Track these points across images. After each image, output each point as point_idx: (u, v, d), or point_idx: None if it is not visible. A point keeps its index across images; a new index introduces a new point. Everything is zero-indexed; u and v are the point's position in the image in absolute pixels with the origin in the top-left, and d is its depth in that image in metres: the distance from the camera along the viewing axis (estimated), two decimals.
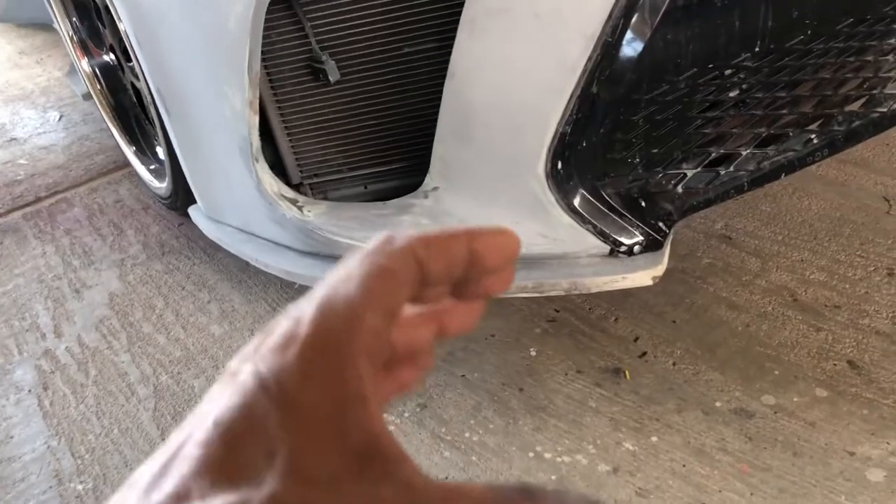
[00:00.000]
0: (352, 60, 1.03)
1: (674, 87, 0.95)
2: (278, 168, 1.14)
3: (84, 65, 1.67)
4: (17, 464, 1.08)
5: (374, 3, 0.97)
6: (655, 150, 0.99)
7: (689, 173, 1.01)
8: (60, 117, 2.20)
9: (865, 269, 1.16)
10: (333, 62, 1.03)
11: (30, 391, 1.20)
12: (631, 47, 0.88)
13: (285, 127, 1.10)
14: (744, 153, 1.03)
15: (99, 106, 1.70)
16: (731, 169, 1.03)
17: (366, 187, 1.17)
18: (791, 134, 1.05)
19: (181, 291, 1.37)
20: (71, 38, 1.66)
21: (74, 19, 1.67)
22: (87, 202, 1.72)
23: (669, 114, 0.96)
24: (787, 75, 1.01)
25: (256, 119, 1.01)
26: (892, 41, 1.08)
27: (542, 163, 0.93)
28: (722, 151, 1.02)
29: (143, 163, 1.60)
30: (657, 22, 0.87)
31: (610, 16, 0.85)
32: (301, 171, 1.14)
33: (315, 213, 1.07)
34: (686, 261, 1.24)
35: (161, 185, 1.48)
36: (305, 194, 1.16)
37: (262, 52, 1.02)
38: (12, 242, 1.61)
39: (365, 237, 1.06)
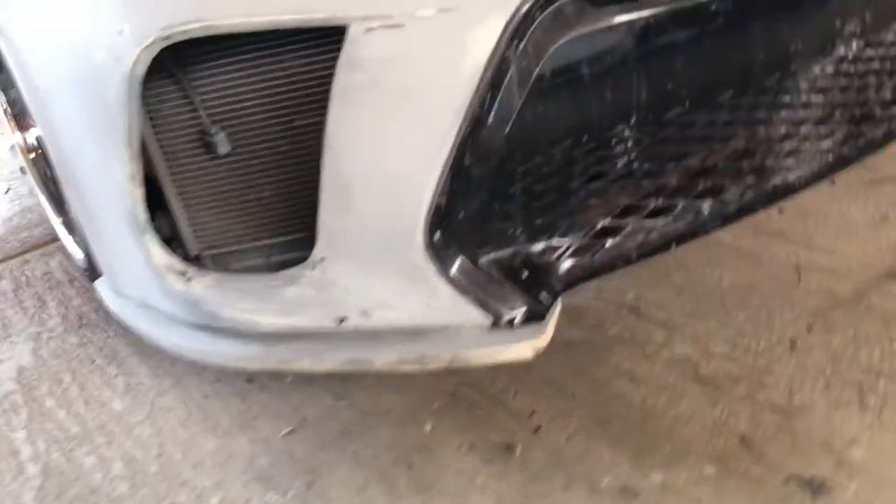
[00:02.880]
0: (243, 132, 1.04)
1: (549, 159, 0.95)
2: (178, 239, 1.14)
3: (18, 138, 1.68)
4: None
5: (263, 76, 0.98)
6: (538, 221, 0.99)
7: (574, 244, 1.00)
8: (7, 190, 2.22)
9: (769, 340, 1.15)
10: (223, 134, 1.03)
11: None
12: (500, 120, 0.88)
13: (182, 198, 1.10)
14: (631, 224, 1.03)
15: (32, 178, 1.70)
16: (618, 240, 1.02)
17: (269, 258, 1.17)
18: (681, 205, 1.06)
19: (90, 365, 1.35)
20: (5, 111, 1.68)
21: (10, 92, 1.69)
22: (17, 275, 1.71)
23: (549, 185, 0.97)
24: (674, 146, 1.01)
25: (140, 192, 1.01)
26: (783, 113, 1.09)
27: (420, 233, 0.93)
28: (608, 222, 1.02)
29: (69, 234, 1.60)
30: (525, 95, 0.88)
31: (477, 89, 0.86)
32: (200, 243, 1.14)
33: (202, 286, 1.06)
34: (594, 332, 1.23)
35: (80, 257, 1.48)
36: (206, 266, 1.15)
37: (153, 124, 1.03)
38: None
39: (250, 309, 1.05)
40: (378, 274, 0.99)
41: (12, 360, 1.40)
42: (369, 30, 0.85)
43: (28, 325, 1.51)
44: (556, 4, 0.87)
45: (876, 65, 1.15)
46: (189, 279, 1.07)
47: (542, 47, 0.87)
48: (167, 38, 0.87)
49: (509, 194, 0.95)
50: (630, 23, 0.90)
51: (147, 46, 0.88)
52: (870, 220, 1.39)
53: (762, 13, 0.97)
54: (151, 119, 1.03)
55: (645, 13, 0.90)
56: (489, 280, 0.96)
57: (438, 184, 0.91)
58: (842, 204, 1.44)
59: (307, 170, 1.06)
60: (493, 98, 0.87)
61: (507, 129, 0.90)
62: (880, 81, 1.17)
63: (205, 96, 1.02)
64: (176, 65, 0.99)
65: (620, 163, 0.99)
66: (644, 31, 0.91)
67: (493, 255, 0.98)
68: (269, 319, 1.04)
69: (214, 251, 1.15)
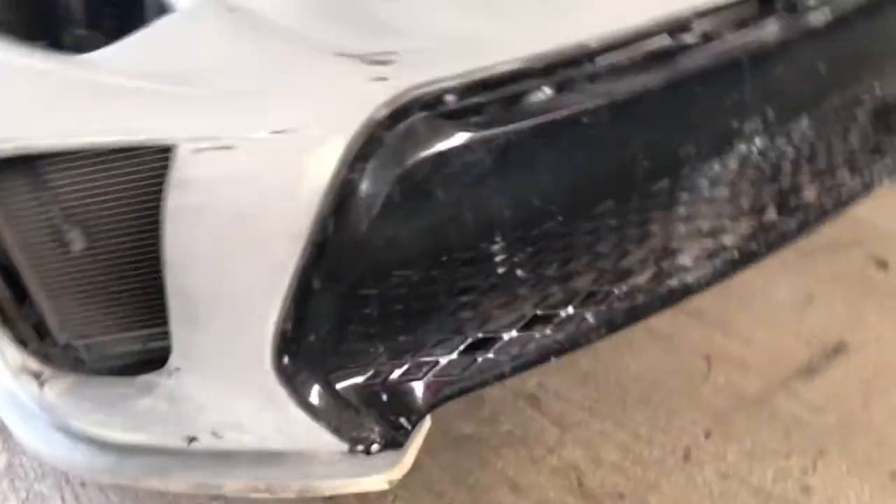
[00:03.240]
0: (100, 227, 0.98)
1: (407, 279, 0.89)
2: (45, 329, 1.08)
3: None
4: None
5: (112, 173, 0.92)
6: (400, 340, 0.92)
7: (442, 360, 0.94)
8: None
9: (663, 448, 1.09)
10: (78, 231, 0.97)
11: None
12: (348, 245, 0.82)
13: (45, 289, 1.04)
14: (504, 337, 0.97)
15: None
16: (489, 355, 0.96)
17: (145, 344, 1.11)
18: (561, 314, 0.99)
19: None
20: None
21: None
22: None
23: (410, 304, 0.90)
24: (552, 254, 0.95)
25: None
26: (677, 213, 1.03)
27: (267, 357, 0.87)
28: (480, 336, 0.96)
29: None
30: (374, 218, 0.81)
31: (318, 215, 0.79)
32: (68, 332, 1.08)
33: (55, 392, 1.00)
34: (487, 425, 1.17)
35: None
36: (76, 356, 1.09)
37: (8, 216, 0.97)
38: None
39: (100, 421, 0.99)
40: (231, 393, 0.93)
41: None
42: (198, 150, 0.79)
43: None
44: (406, 123, 0.80)
45: (787, 155, 1.08)
46: (43, 383, 1.01)
47: (391, 168, 0.81)
48: None
49: (365, 316, 0.89)
50: (491, 138, 0.83)
51: None
52: (794, 300, 1.32)
53: (643, 124, 0.90)
54: (6, 211, 0.97)
55: (509, 128, 0.83)
56: (345, 406, 0.90)
57: (282, 310, 0.84)
58: (769, 279, 1.37)
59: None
60: (339, 223, 0.81)
61: (357, 254, 0.84)
62: (793, 171, 1.10)
63: (58, 191, 0.96)
64: (25, 161, 0.92)
65: (491, 276, 0.93)
66: (506, 146, 0.84)
67: (350, 380, 0.91)
68: (119, 434, 0.98)
69: (86, 340, 1.10)
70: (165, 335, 1.07)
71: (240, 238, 0.83)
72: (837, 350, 1.20)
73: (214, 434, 0.95)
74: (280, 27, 0.80)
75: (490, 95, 0.82)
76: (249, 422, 0.93)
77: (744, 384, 1.18)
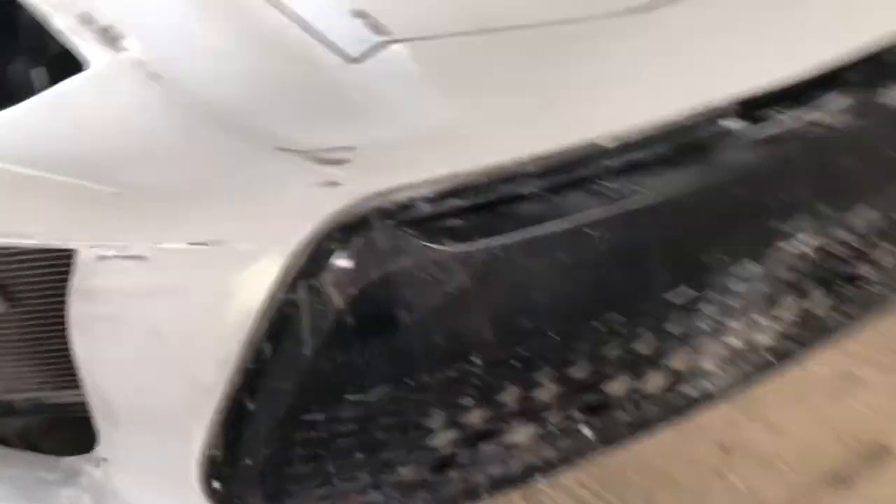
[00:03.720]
0: (20, 291, 0.84)
1: (363, 404, 0.74)
2: None
3: None
4: None
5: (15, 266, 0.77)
6: (359, 456, 0.78)
7: (408, 481, 0.80)
8: None
9: None
10: None
11: None
12: (286, 372, 0.67)
13: None
14: (483, 452, 0.82)
15: None
16: (464, 473, 0.82)
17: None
18: (553, 426, 0.84)
19: None
20: None
21: None
22: None
23: (367, 428, 0.76)
24: (537, 368, 0.79)
25: None
26: (704, 314, 0.86)
27: (194, 481, 0.74)
28: (452, 451, 0.82)
29: None
30: (319, 346, 0.66)
31: (250, 340, 0.64)
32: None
33: None
34: None
35: None
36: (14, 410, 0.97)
37: None
38: None
39: None
40: (167, 492, 0.81)
41: None
42: (103, 258, 0.64)
43: None
44: (362, 236, 0.64)
45: (838, 246, 0.89)
46: None
47: (342, 289, 0.65)
48: None
49: (314, 440, 0.75)
50: (471, 253, 0.66)
51: None
52: (833, 381, 1.15)
53: (663, 230, 0.72)
54: None
55: (494, 242, 0.66)
56: None
57: (209, 435, 0.71)
58: None
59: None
60: (276, 349, 0.66)
61: (300, 380, 0.69)
62: (846, 261, 0.92)
63: None
64: None
65: (469, 394, 0.77)
66: (490, 262, 0.67)
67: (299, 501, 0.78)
68: None
69: (22, 395, 0.97)
70: None
71: (157, 356, 0.68)
72: (876, 456, 1.04)
73: None
74: (211, 107, 0.63)
75: (472, 199, 0.65)
76: None
77: (764, 488, 1.02)
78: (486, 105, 0.64)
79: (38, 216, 0.64)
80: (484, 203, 0.66)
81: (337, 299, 0.65)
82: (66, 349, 0.90)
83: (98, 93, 0.64)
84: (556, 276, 0.70)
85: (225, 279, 0.64)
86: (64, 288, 0.78)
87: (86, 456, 0.85)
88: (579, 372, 0.82)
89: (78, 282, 0.66)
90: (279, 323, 0.65)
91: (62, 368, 0.91)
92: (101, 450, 0.83)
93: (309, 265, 0.64)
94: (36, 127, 0.64)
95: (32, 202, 0.63)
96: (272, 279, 0.63)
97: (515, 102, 0.64)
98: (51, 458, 0.88)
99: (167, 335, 0.66)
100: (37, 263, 0.72)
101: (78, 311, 0.67)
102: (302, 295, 0.64)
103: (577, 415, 0.85)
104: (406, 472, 0.80)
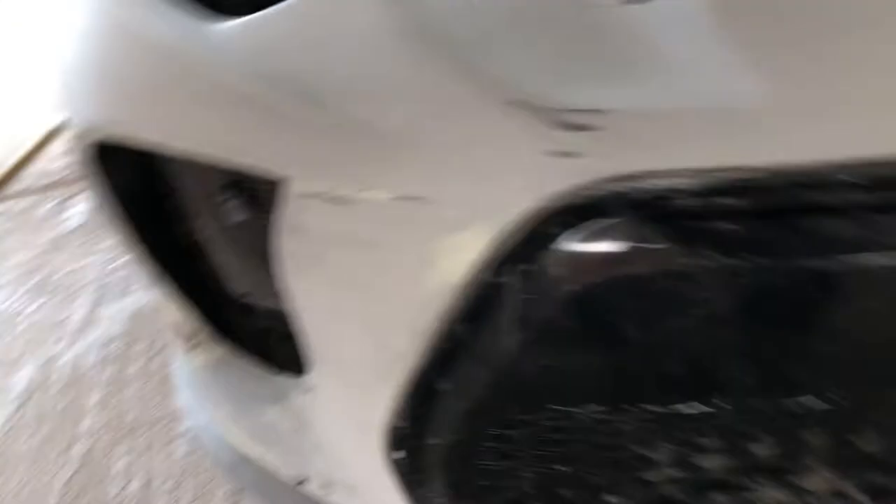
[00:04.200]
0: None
1: (567, 416, 0.61)
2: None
3: None
4: None
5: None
6: (558, 468, 0.66)
7: None
8: None
9: None
10: (235, 203, 0.83)
11: (11, 401, 1.24)
12: (482, 362, 0.57)
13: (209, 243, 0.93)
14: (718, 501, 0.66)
15: None
16: None
17: None
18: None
19: None
20: None
21: None
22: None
23: (570, 444, 0.63)
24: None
25: (144, 250, 0.87)
26: None
27: (379, 445, 0.68)
28: (674, 491, 0.66)
29: None
30: (524, 343, 0.55)
31: (445, 317, 0.55)
32: (237, 287, 0.97)
33: (202, 361, 0.91)
34: None
35: None
36: (252, 313, 0.99)
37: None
38: None
39: (229, 415, 0.88)
40: (351, 450, 0.76)
41: (136, 298, 1.40)
42: (310, 194, 0.57)
43: None
44: (600, 225, 0.50)
45: None
46: (195, 345, 0.92)
47: (564, 281, 0.52)
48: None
49: (509, 439, 0.64)
50: (737, 271, 0.49)
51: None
52: None
53: None
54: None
55: (782, 263, 0.49)
56: None
57: (396, 404, 0.63)
58: None
59: None
60: (473, 334, 0.56)
61: (496, 375, 0.58)
62: None
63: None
64: None
65: (707, 430, 0.61)
66: (765, 287, 0.50)
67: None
68: (239, 436, 0.87)
69: (251, 299, 0.98)
70: None
71: (353, 309, 0.61)
72: None
73: (326, 485, 0.80)
74: (446, 43, 0.52)
75: (755, 203, 0.48)
76: (360, 487, 0.77)
77: None
78: (805, 82, 0.45)
79: (256, 137, 0.58)
80: (772, 210, 0.48)
81: (554, 293, 0.52)
82: None
83: (335, 9, 0.55)
84: (868, 321, 0.51)
85: (426, 244, 0.54)
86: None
87: (295, 380, 0.83)
88: (869, 443, 0.61)
89: (285, 213, 0.60)
90: (480, 306, 0.54)
91: None
92: (309, 378, 0.80)
93: (524, 247, 0.51)
94: (264, 40, 0.57)
95: (253, 121, 0.58)
96: (477, 255, 0.52)
97: (850, 85, 0.44)
98: (265, 374, 0.87)
99: (365, 291, 0.59)
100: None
101: (284, 243, 0.62)
102: (510, 279, 0.52)
103: (856, 494, 0.64)
104: (612, 501, 0.67)
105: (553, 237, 0.50)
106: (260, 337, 0.95)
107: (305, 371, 0.79)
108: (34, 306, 1.43)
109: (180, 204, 0.88)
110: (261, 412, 0.84)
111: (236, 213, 0.84)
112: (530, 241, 0.51)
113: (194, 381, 0.92)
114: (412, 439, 0.66)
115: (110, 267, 1.49)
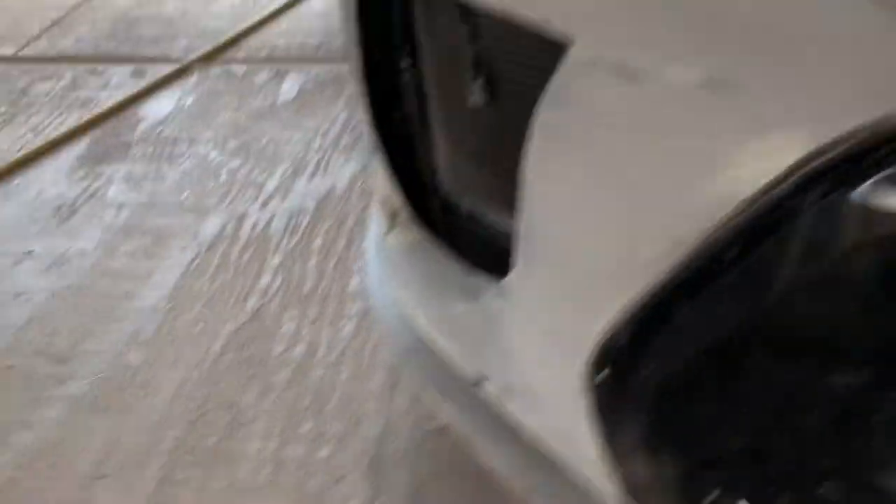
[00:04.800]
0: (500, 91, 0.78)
1: (819, 378, 0.53)
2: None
3: None
4: (130, 304, 1.18)
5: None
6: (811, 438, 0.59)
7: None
8: None
9: None
10: (480, 83, 0.79)
11: (200, 243, 1.29)
12: (742, 297, 0.51)
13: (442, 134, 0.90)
14: None
15: None
16: None
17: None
18: None
19: None
20: None
21: None
22: None
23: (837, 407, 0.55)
24: None
25: (370, 115, 0.85)
26: None
27: (581, 361, 0.63)
28: None
29: None
30: (803, 285, 0.48)
31: (712, 237, 0.49)
32: (453, 186, 0.94)
33: (397, 241, 0.89)
34: None
35: None
36: (447, 203, 0.96)
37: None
38: (331, 93, 1.68)
39: (418, 300, 0.85)
40: (539, 364, 0.71)
41: (334, 176, 1.41)
42: (593, 63, 0.51)
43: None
44: None
45: None
46: (394, 222, 0.90)
47: (865, 225, 0.45)
48: None
49: (739, 398, 0.57)
50: None
51: None
52: None
53: None
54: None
55: None
56: (658, 487, 0.62)
57: (618, 319, 0.57)
58: None
59: None
60: (745, 256, 0.49)
61: (751, 319, 0.51)
62: None
63: (474, 35, 0.77)
64: None
65: None
66: None
67: (684, 467, 0.62)
68: (422, 323, 0.84)
69: (460, 197, 0.95)
70: None
71: (605, 202, 0.56)
72: None
73: (504, 390, 0.75)
74: None
75: None
76: (543, 405, 0.72)
77: None
78: None
79: None
80: None
81: (871, 232, 0.45)
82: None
83: None
84: None
85: (724, 142, 0.47)
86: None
87: (493, 280, 0.79)
88: None
89: (558, 82, 0.55)
90: (765, 228, 0.47)
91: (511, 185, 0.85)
92: (512, 276, 0.75)
93: (846, 169, 0.44)
94: None
95: None
96: (783, 166, 0.45)
97: None
98: (458, 268, 0.83)
99: (628, 186, 0.53)
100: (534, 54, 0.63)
101: (545, 118, 0.57)
102: (815, 204, 0.45)
103: None
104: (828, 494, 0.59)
105: (886, 164, 0.42)
106: (456, 234, 0.92)
107: (502, 274, 0.75)
108: (235, 163, 1.48)
109: (419, 80, 0.85)
110: (449, 304, 0.81)
111: (479, 94, 0.80)
112: (856, 164, 0.43)
113: (385, 260, 0.90)
114: (625, 363, 0.60)
115: (314, 145, 1.51)
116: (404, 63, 0.88)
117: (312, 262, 1.23)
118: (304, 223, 1.31)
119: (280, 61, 1.85)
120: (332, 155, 1.47)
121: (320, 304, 1.15)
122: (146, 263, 1.25)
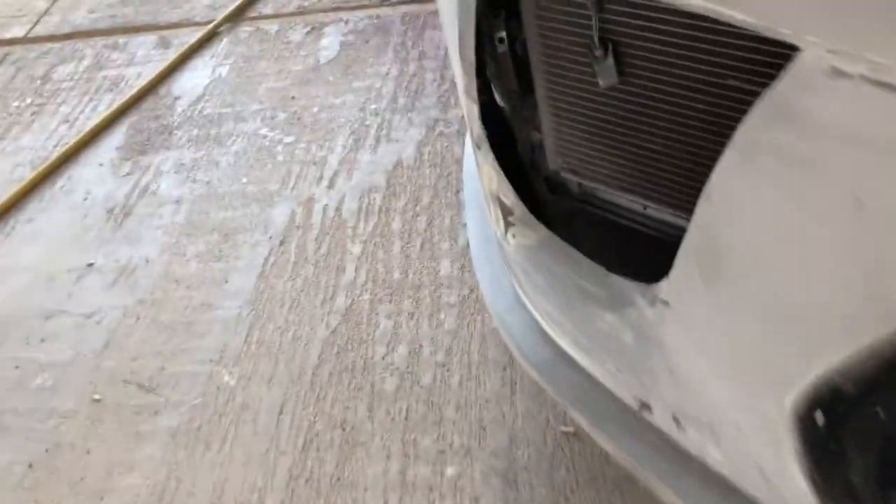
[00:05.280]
0: (637, 67, 0.67)
1: None
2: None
3: None
4: (210, 315, 1.11)
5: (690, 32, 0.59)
6: None
7: None
8: None
9: None
10: (612, 63, 0.68)
11: (271, 237, 1.20)
12: None
13: (552, 114, 0.79)
14: None
15: None
16: None
17: (645, 208, 0.83)
18: None
19: (448, 209, 1.19)
20: None
21: None
22: None
23: None
24: None
25: (475, 108, 0.74)
26: None
27: (792, 395, 0.54)
28: None
29: None
30: None
31: None
32: (561, 162, 0.84)
33: (517, 243, 0.79)
34: None
35: None
36: (564, 189, 0.86)
37: (542, 37, 0.73)
38: (375, 45, 1.55)
39: (550, 311, 0.76)
40: (721, 386, 0.62)
41: (398, 146, 1.31)
42: (836, 72, 0.40)
43: (434, 102, 1.38)
44: None
45: None
46: (510, 224, 0.80)
47: None
48: None
49: None
50: None
51: None
52: None
53: None
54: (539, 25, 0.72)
55: None
56: None
57: (844, 362, 0.48)
58: None
59: (693, 131, 0.66)
60: None
61: None
62: None
63: (605, 14, 0.66)
64: None
65: None
66: None
67: None
68: (563, 338, 0.75)
69: (579, 178, 0.84)
70: (664, 201, 0.77)
71: (832, 233, 0.45)
72: None
73: (675, 419, 0.67)
74: None
75: None
76: (728, 438, 0.63)
77: None
78: None
79: None
80: None
81: None
82: (654, 153, 0.73)
83: None
84: None
85: None
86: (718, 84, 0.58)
87: (644, 286, 0.69)
88: None
89: (776, 94, 0.44)
90: None
91: (669, 182, 0.74)
92: (665, 288, 0.66)
93: None
94: None
95: None
96: None
97: None
98: (600, 270, 0.73)
99: (872, 209, 0.42)
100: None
101: (753, 128, 0.46)
102: None
103: None
104: None
105: None
106: (581, 232, 0.82)
107: (660, 280, 0.65)
108: (290, 138, 1.37)
109: (538, 59, 0.74)
110: (593, 315, 0.72)
111: (607, 76, 0.69)
112: None
113: (507, 264, 0.80)
114: (847, 406, 0.51)
115: (370, 108, 1.39)
116: (516, 48, 0.77)
117: (396, 247, 1.13)
118: (378, 203, 1.21)
119: (312, 12, 1.71)
120: (392, 118, 1.35)
121: (414, 295, 1.06)
122: (218, 266, 1.16)
